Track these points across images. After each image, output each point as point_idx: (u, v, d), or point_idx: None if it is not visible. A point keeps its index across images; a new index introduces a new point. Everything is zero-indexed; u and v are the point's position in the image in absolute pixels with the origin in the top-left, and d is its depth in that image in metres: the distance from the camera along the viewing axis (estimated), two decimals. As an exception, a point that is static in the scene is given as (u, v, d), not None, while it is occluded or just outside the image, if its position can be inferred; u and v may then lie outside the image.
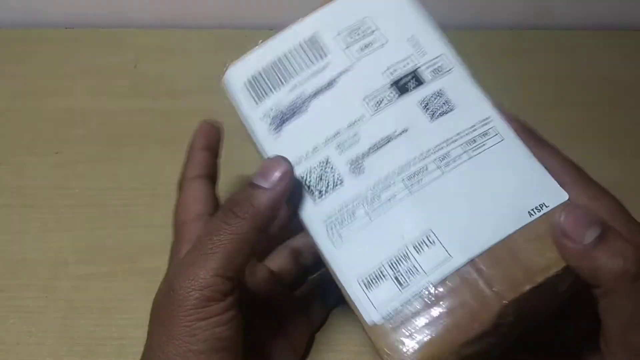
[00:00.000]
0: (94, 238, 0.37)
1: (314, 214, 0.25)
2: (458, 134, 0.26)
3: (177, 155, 0.43)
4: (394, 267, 0.24)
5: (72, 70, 0.51)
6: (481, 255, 0.23)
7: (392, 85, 0.27)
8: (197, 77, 0.51)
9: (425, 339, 0.22)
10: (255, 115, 0.28)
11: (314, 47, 0.29)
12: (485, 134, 0.26)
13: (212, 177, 0.31)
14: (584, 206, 0.25)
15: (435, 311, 0.23)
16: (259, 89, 0.28)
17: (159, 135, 0.45)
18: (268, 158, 0.27)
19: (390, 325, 0.23)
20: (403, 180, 0.25)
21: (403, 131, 0.26)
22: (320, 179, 0.26)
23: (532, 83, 0.53)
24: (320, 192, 0.26)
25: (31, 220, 0.38)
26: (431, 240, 0.24)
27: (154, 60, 0.53)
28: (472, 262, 0.23)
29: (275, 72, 0.28)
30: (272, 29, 0.58)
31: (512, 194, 0.25)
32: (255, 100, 0.28)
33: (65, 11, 0.57)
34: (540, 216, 0.24)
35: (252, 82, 0.28)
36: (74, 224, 0.38)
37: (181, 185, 0.30)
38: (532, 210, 0.25)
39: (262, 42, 0.30)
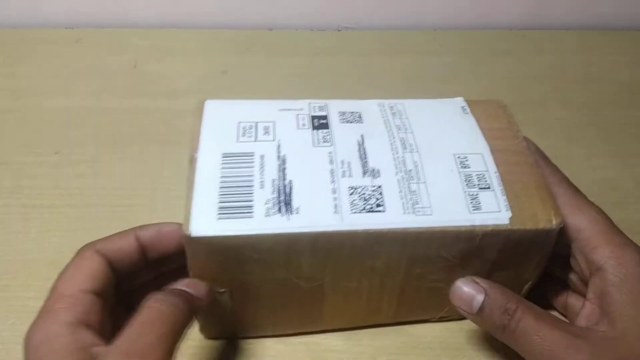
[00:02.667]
0: (93, 238, 0.37)
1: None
2: None
3: (177, 156, 0.44)
4: None
5: (72, 70, 0.51)
6: None
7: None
8: (197, 77, 0.51)
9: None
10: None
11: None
12: None
13: (115, 270, 0.28)
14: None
15: None
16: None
17: (159, 135, 0.46)
18: (191, 279, 0.27)
19: None
20: None
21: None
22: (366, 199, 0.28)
23: (532, 83, 0.53)
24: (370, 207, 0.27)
25: (31, 220, 0.38)
26: None
27: (154, 60, 0.53)
28: None
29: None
30: (271, 29, 0.58)
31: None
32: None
33: (65, 11, 0.57)
34: None
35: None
36: (74, 224, 0.38)
37: (80, 252, 0.28)
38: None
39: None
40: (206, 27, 0.58)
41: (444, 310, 0.33)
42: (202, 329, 0.32)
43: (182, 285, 0.27)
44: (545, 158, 0.32)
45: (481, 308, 0.28)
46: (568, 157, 0.45)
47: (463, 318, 0.31)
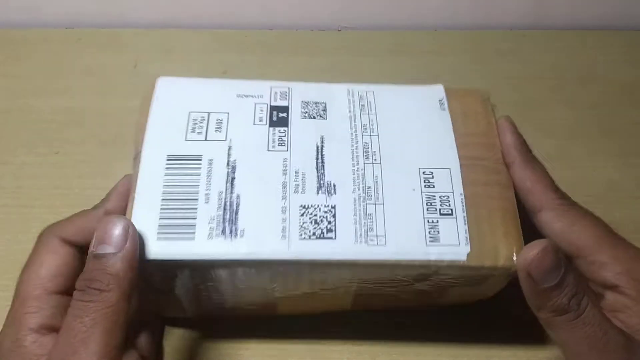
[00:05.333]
0: (94, 238, 0.37)
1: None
2: None
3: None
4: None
5: (72, 70, 0.51)
6: None
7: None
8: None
9: None
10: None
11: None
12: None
13: (83, 249, 0.26)
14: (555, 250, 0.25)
15: None
16: None
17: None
18: (102, 221, 0.24)
19: None
20: None
21: None
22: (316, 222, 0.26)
23: (531, 83, 0.53)
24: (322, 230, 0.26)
25: (31, 220, 0.38)
26: None
27: (154, 60, 0.53)
28: None
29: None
30: (272, 29, 0.58)
31: None
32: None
33: (65, 11, 0.57)
34: None
35: None
36: (74, 224, 0.38)
37: (42, 241, 0.27)
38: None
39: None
40: (206, 27, 0.58)
41: (403, 306, 0.32)
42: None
43: (98, 242, 0.24)
44: (529, 158, 0.29)
45: (558, 284, 0.24)
46: (568, 157, 0.45)
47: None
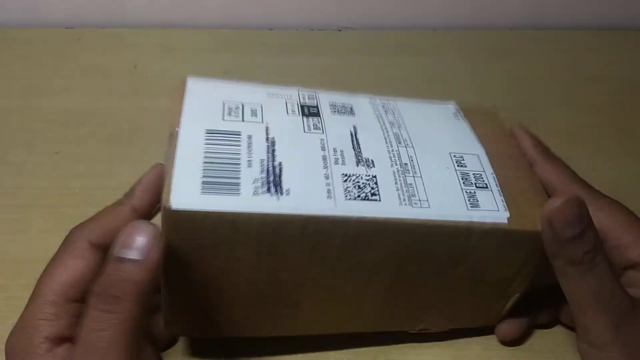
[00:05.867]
0: (94, 238, 0.37)
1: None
2: None
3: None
4: None
5: (72, 70, 0.51)
6: None
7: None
8: (197, 77, 0.51)
9: None
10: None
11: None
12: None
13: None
14: (580, 204, 0.26)
15: None
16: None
17: (159, 135, 0.45)
18: (129, 226, 0.23)
19: None
20: None
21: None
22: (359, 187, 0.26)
23: (532, 83, 0.53)
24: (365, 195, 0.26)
25: (31, 220, 0.38)
26: None
27: (154, 60, 0.53)
28: None
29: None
30: (272, 29, 0.58)
31: None
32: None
33: (65, 11, 0.57)
34: None
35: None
36: (74, 224, 0.38)
37: (70, 241, 0.26)
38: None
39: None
40: (206, 27, 0.58)
41: (424, 323, 0.32)
42: (167, 325, 0.29)
43: (122, 246, 0.23)
44: (550, 155, 0.31)
45: (578, 236, 0.26)
46: (569, 157, 0.45)
47: (439, 335, 0.32)
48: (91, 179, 0.41)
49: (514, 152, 0.31)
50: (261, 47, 0.55)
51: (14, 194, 0.40)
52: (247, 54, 0.55)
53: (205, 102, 0.29)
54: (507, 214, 0.27)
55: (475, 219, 0.26)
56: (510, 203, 0.27)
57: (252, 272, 0.27)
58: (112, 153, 0.44)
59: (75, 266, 0.25)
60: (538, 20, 0.61)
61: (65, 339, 0.24)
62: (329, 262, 0.27)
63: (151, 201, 0.27)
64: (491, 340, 0.33)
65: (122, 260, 0.22)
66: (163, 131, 0.46)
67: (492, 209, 0.27)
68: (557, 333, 0.33)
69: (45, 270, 0.26)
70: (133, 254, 0.22)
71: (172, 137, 0.27)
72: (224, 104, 0.29)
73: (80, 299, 0.25)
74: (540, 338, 0.33)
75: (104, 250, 0.25)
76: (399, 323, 0.32)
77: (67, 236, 0.26)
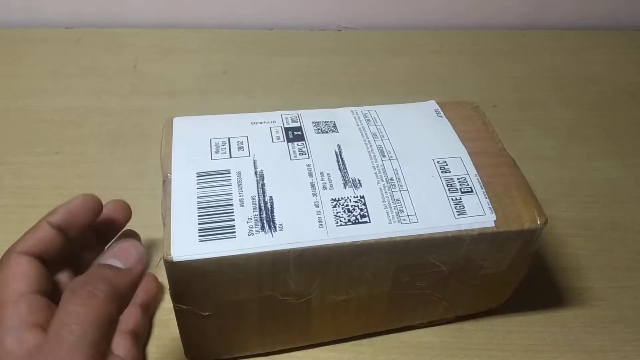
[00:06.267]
0: (94, 238, 0.37)
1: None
2: None
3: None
4: None
5: (72, 70, 0.51)
6: None
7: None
8: (197, 77, 0.51)
9: None
10: None
11: None
12: None
13: (45, 260, 0.27)
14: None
15: None
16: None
17: (159, 135, 0.45)
18: (120, 241, 0.25)
19: None
20: None
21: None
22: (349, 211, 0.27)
23: (531, 83, 0.53)
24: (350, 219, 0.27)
25: (31, 220, 0.38)
26: None
27: (154, 60, 0.53)
28: None
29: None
30: (272, 29, 0.58)
31: None
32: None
33: (65, 11, 0.57)
34: None
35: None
36: (74, 224, 0.38)
37: (4, 259, 0.27)
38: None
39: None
40: (206, 27, 0.58)
41: (430, 317, 0.33)
42: (187, 352, 0.31)
43: (109, 256, 0.24)
44: None
45: None
46: (569, 157, 0.45)
47: (452, 321, 0.32)
48: (91, 179, 0.41)
49: (495, 147, 0.31)
50: (261, 47, 0.55)
51: (14, 194, 0.40)
52: (247, 54, 0.55)
53: (193, 142, 0.30)
54: (494, 217, 0.27)
55: (463, 227, 0.27)
56: (495, 203, 0.28)
57: (257, 303, 0.28)
58: (112, 153, 0.44)
59: (16, 270, 0.26)
60: (538, 20, 0.61)
61: (33, 324, 0.24)
62: (329, 283, 0.28)
63: (69, 222, 0.28)
64: (491, 341, 0.33)
65: (105, 265, 0.24)
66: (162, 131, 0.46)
67: (478, 214, 0.27)
68: (557, 333, 0.33)
69: None
70: (117, 263, 0.24)
71: (166, 184, 0.27)
72: (211, 142, 0.29)
73: (33, 291, 0.25)
74: (541, 338, 0.33)
75: (35, 255, 0.27)
76: (406, 320, 0.33)
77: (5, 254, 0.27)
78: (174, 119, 0.31)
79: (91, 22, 0.57)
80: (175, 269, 0.25)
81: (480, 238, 0.27)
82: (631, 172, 0.44)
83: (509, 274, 0.30)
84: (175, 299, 0.26)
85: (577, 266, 0.37)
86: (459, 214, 0.27)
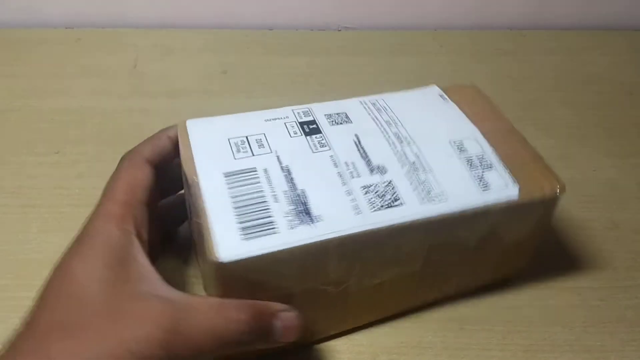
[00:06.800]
0: (94, 238, 0.37)
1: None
2: None
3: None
4: None
5: (72, 70, 0.51)
6: None
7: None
8: (197, 77, 0.51)
9: None
10: None
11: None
12: None
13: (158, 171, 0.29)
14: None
15: None
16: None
17: (159, 135, 0.45)
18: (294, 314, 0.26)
19: None
20: None
21: None
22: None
23: (531, 83, 0.53)
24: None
25: (31, 220, 0.38)
26: None
27: (154, 60, 0.53)
28: None
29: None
30: (271, 29, 0.58)
31: None
32: None
33: (65, 11, 0.57)
34: None
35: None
36: (74, 224, 0.38)
37: (131, 160, 0.29)
38: None
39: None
40: (206, 27, 0.58)
41: (450, 291, 0.34)
42: None
43: (280, 318, 0.26)
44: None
45: None
46: (569, 157, 0.45)
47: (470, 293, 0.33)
48: (91, 178, 0.41)
49: (505, 125, 0.33)
50: (261, 47, 0.55)
51: (14, 194, 0.40)
52: (247, 54, 0.55)
53: (211, 144, 0.29)
54: (517, 189, 0.29)
55: (490, 202, 0.28)
56: (515, 176, 0.29)
57: (298, 296, 0.28)
58: (112, 153, 0.44)
59: (138, 177, 0.28)
60: (538, 20, 0.61)
61: (138, 237, 0.26)
62: (366, 268, 0.28)
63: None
64: (491, 340, 0.33)
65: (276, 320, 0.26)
66: (163, 131, 0.46)
67: (502, 187, 0.29)
68: (557, 333, 0.33)
69: (107, 184, 0.28)
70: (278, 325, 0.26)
71: (193, 187, 0.27)
72: (230, 142, 0.29)
73: (146, 201, 0.27)
74: (541, 338, 0.33)
75: (154, 166, 0.29)
76: (432, 295, 0.34)
77: (121, 158, 0.29)
78: (187, 122, 0.30)
79: (91, 22, 0.57)
80: (224, 271, 0.25)
81: (505, 210, 0.29)
82: (631, 172, 0.44)
83: (528, 242, 0.32)
84: (223, 294, 0.26)
85: (577, 266, 0.37)
86: (484, 189, 0.29)
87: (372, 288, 0.30)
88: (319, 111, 0.32)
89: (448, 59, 0.55)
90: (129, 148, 0.46)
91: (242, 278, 0.25)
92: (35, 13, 0.57)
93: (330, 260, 0.27)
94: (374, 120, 0.32)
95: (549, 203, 0.30)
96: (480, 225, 0.29)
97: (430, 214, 0.27)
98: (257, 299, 0.26)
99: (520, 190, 0.29)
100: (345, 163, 0.29)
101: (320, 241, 0.25)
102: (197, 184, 0.27)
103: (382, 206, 0.27)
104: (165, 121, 0.47)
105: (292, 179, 0.28)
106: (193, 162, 0.28)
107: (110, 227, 0.25)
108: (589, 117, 0.49)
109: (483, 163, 0.30)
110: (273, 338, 0.25)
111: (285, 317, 0.26)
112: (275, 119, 0.31)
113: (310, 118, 0.31)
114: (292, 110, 0.32)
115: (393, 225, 0.27)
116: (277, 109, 0.32)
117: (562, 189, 0.30)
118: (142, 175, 0.28)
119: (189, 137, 0.29)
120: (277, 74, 0.52)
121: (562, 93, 0.52)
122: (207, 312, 0.24)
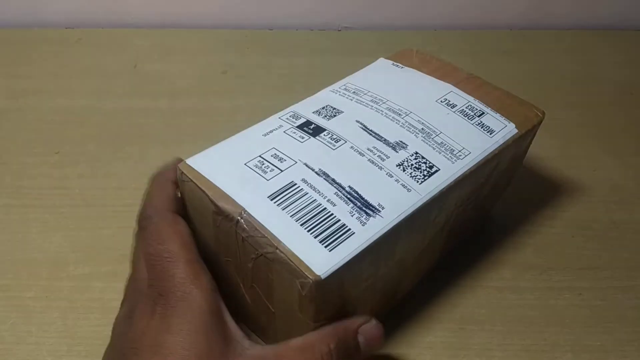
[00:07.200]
0: (94, 238, 0.37)
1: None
2: None
3: (177, 155, 0.44)
4: None
5: (73, 70, 0.51)
6: None
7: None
8: (197, 77, 0.51)
9: None
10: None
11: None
12: None
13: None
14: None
15: None
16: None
17: (159, 135, 0.46)
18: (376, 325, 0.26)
19: None
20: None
21: None
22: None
23: (532, 82, 0.53)
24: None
25: (31, 220, 0.38)
26: None
27: (154, 60, 0.53)
28: None
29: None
30: (272, 29, 0.58)
31: None
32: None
33: (65, 11, 0.57)
34: None
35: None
36: (74, 224, 0.38)
37: (155, 180, 0.29)
38: None
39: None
40: (206, 27, 0.58)
41: (458, 240, 0.36)
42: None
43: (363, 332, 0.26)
44: None
45: None
46: (569, 157, 0.45)
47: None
48: (91, 179, 0.41)
49: (463, 75, 0.35)
50: (261, 47, 0.55)
51: (14, 194, 0.40)
52: (247, 54, 0.55)
53: (231, 174, 0.27)
54: (513, 125, 0.32)
55: (500, 142, 0.31)
56: (504, 115, 0.32)
57: (374, 285, 0.28)
58: (112, 153, 0.44)
59: (182, 229, 0.27)
60: (538, 20, 0.61)
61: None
62: (419, 238, 0.30)
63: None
64: (490, 343, 0.33)
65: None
66: (163, 131, 0.46)
67: (502, 128, 0.31)
68: (557, 333, 0.33)
69: (152, 244, 0.26)
70: (361, 339, 0.26)
71: (246, 221, 0.25)
72: (248, 167, 0.28)
73: (177, 210, 0.28)
74: (541, 338, 0.33)
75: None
76: (447, 250, 0.35)
77: (146, 216, 0.28)
78: (187, 162, 0.28)
79: (91, 22, 0.57)
80: (324, 287, 0.24)
81: (512, 144, 0.31)
82: (631, 172, 0.44)
83: (519, 164, 0.36)
84: (316, 319, 0.25)
85: (577, 266, 0.37)
86: (490, 134, 0.31)
87: (419, 256, 0.31)
88: (304, 111, 0.31)
89: (448, 59, 0.55)
90: (129, 148, 0.46)
91: (336, 289, 0.25)
92: (36, 13, 0.57)
93: (399, 241, 0.27)
94: (359, 103, 0.32)
95: (534, 130, 0.33)
96: (492, 167, 0.31)
97: (463, 170, 0.29)
98: (345, 306, 0.26)
99: (516, 125, 0.32)
100: (369, 149, 0.29)
101: (393, 227, 0.26)
102: (248, 216, 0.25)
103: (424, 177, 0.28)
104: (166, 121, 0.48)
105: (333, 179, 0.27)
106: (229, 198, 0.26)
107: (196, 292, 0.24)
108: (589, 117, 0.49)
109: (475, 112, 0.32)
110: (359, 354, 0.25)
111: (367, 330, 0.26)
112: (272, 131, 0.30)
113: (303, 120, 0.31)
114: (280, 117, 0.31)
115: (442, 190, 0.28)
116: (264, 122, 0.31)
117: (543, 114, 0.33)
118: (186, 229, 0.26)
119: (204, 175, 0.27)
120: (277, 74, 0.52)
121: (563, 93, 0.52)
122: (297, 356, 0.24)
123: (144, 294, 0.25)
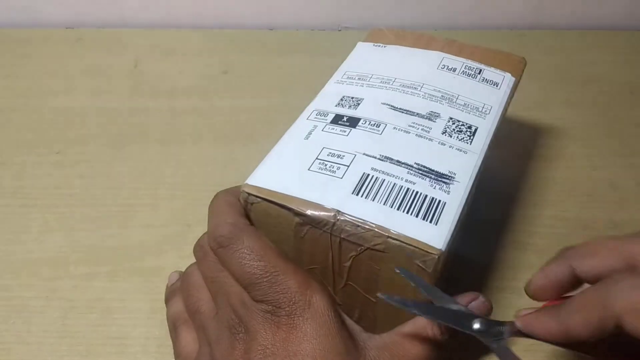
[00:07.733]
0: (94, 238, 0.37)
1: None
2: None
3: (177, 155, 0.44)
4: None
5: (73, 70, 0.51)
6: None
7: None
8: (197, 77, 0.51)
9: None
10: None
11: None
12: None
13: None
14: None
15: None
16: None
17: (159, 135, 0.45)
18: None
19: None
20: None
21: None
22: None
23: (532, 83, 0.53)
24: None
25: (31, 220, 0.38)
26: None
27: (154, 60, 0.53)
28: None
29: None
30: (272, 29, 0.58)
31: None
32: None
33: (65, 11, 0.57)
34: None
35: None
36: (74, 224, 0.38)
37: (217, 203, 0.28)
38: None
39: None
40: (206, 27, 0.58)
41: None
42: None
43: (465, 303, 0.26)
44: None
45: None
46: (569, 157, 0.45)
47: None
48: (92, 179, 0.41)
49: (442, 41, 0.36)
50: (261, 47, 0.55)
51: (14, 194, 0.40)
52: (247, 54, 0.55)
53: (302, 183, 0.27)
54: (509, 74, 0.34)
55: (508, 92, 0.33)
56: (497, 67, 0.34)
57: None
58: (112, 153, 0.44)
59: (264, 240, 0.26)
60: (538, 20, 0.61)
61: None
62: (475, 189, 0.29)
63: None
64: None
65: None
66: (163, 131, 0.46)
67: (502, 80, 0.33)
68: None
69: (212, 223, 0.27)
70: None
71: (342, 223, 0.25)
72: (312, 170, 0.27)
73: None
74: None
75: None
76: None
77: (213, 203, 0.28)
78: (248, 182, 0.27)
79: (91, 22, 0.57)
80: (443, 260, 0.25)
81: (512, 93, 0.33)
82: (631, 172, 0.44)
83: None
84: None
85: (577, 266, 0.37)
86: (496, 87, 0.33)
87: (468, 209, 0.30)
88: (326, 107, 0.31)
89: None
90: (129, 148, 0.46)
91: (448, 261, 0.25)
92: (36, 13, 0.57)
93: (470, 199, 0.28)
94: (372, 87, 0.33)
95: (521, 75, 0.35)
96: (504, 116, 0.32)
97: (493, 125, 0.31)
98: (445, 279, 0.26)
99: (510, 74, 0.34)
100: (410, 126, 0.30)
101: (470, 188, 0.27)
102: (343, 216, 0.25)
103: (469, 137, 0.30)
104: (166, 121, 0.48)
105: (398, 161, 0.28)
106: (315, 204, 0.26)
107: (316, 297, 0.24)
108: (589, 117, 0.49)
109: (474, 70, 0.34)
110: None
111: (478, 307, 0.27)
112: (310, 133, 0.29)
113: (332, 115, 0.31)
114: (307, 119, 0.31)
115: (490, 144, 0.30)
116: (295, 127, 0.30)
117: (524, 59, 0.35)
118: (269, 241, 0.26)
119: (276, 190, 0.26)
120: (277, 74, 0.52)
121: (562, 93, 0.52)
122: (414, 340, 0.25)
123: (242, 314, 0.25)
